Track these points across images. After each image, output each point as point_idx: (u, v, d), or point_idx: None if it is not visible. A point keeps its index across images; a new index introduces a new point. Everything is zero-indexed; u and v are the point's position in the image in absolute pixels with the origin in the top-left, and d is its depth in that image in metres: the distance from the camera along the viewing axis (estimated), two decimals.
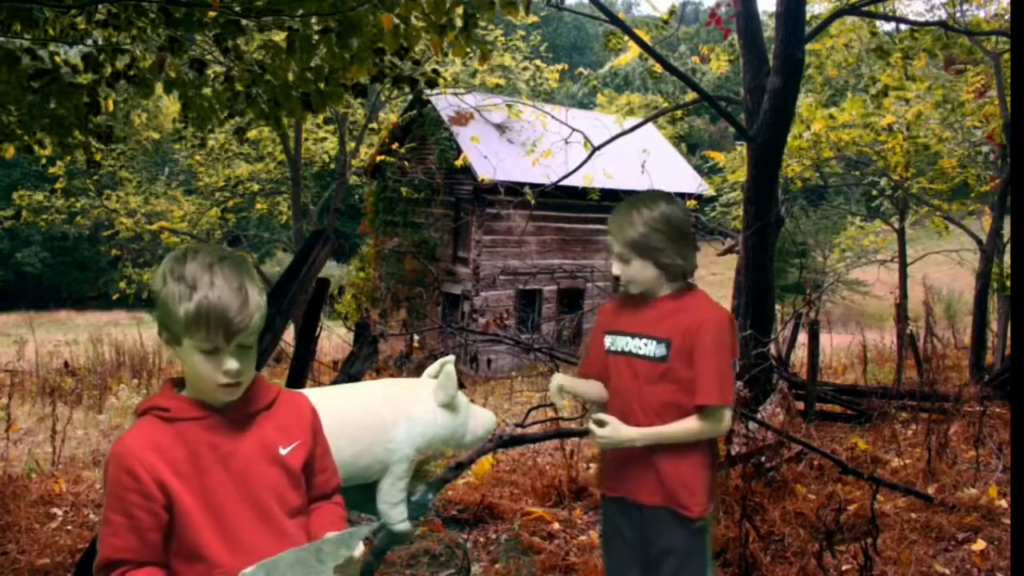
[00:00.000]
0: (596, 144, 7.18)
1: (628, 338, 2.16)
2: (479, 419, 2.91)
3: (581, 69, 16.02)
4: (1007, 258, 8.67)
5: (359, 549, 1.39)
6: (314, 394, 2.97)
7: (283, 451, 1.44)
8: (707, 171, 18.40)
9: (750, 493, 3.64)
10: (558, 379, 2.30)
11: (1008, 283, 8.16)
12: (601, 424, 2.06)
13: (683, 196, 14.52)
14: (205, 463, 1.35)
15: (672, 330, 2.09)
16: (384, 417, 2.69)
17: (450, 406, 2.78)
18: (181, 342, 1.34)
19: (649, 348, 2.11)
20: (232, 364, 1.34)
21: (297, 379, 3.56)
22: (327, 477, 1.56)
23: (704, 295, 2.18)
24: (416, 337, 12.72)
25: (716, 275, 29.95)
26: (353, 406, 2.74)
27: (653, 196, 2.16)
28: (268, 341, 3.09)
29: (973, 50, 8.69)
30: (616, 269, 2.16)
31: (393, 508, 2.73)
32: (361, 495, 2.76)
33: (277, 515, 1.42)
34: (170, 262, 1.35)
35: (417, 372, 2.97)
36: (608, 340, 2.23)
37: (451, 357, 2.80)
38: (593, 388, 2.32)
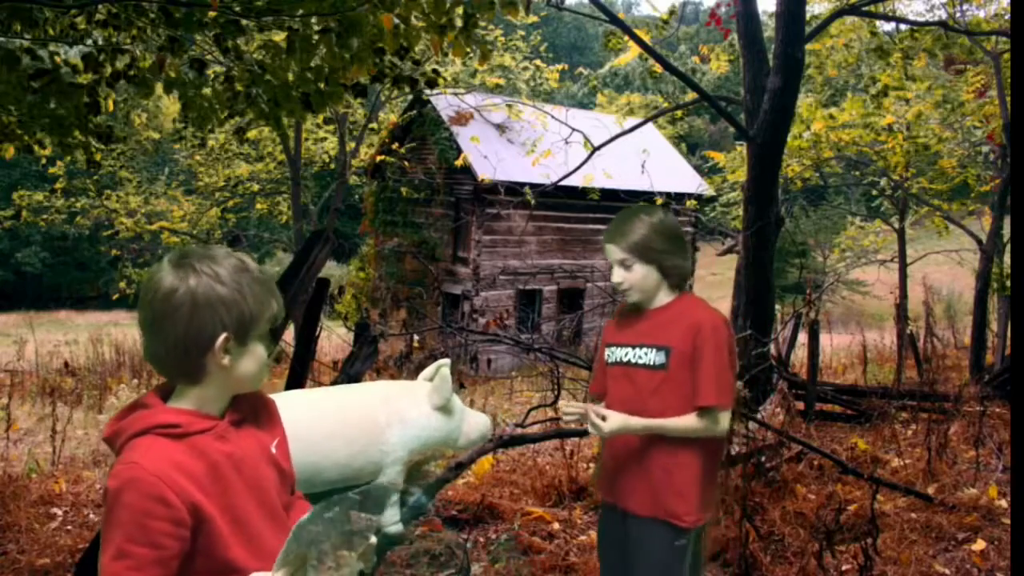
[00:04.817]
0: (596, 144, 7.18)
1: (628, 349, 2.17)
2: (473, 423, 2.91)
3: (581, 69, 15.99)
4: (1007, 258, 8.67)
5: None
6: (312, 395, 2.97)
7: (273, 449, 1.43)
8: (707, 171, 18.39)
9: (750, 493, 3.64)
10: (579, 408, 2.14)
11: (1008, 283, 8.16)
12: (603, 418, 2.04)
13: (683, 196, 14.53)
14: (224, 474, 1.30)
15: (670, 337, 2.10)
16: (379, 419, 2.70)
17: (445, 409, 2.78)
18: (248, 340, 1.33)
19: (648, 357, 2.12)
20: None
21: (297, 379, 3.56)
22: (291, 468, 1.53)
23: (696, 298, 2.21)
24: (416, 337, 12.71)
25: (716, 275, 29.94)
26: (350, 408, 2.75)
27: (649, 205, 2.24)
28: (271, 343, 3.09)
29: (973, 50, 8.69)
30: (617, 276, 2.15)
31: (387, 511, 2.73)
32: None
33: (282, 514, 1.41)
34: (231, 267, 1.31)
35: (417, 372, 2.97)
36: (607, 352, 2.24)
37: (446, 360, 2.80)
38: None
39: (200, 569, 1.27)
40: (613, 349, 2.22)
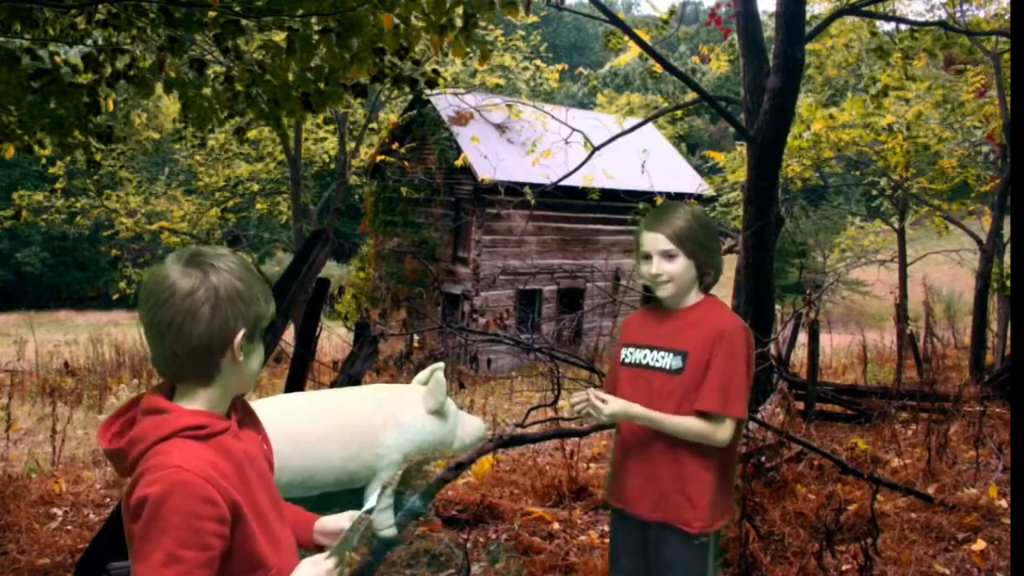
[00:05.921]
0: (596, 144, 7.18)
1: (646, 351, 2.12)
2: (468, 426, 2.92)
3: (581, 69, 16.00)
4: (1007, 258, 8.67)
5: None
6: (306, 399, 2.98)
7: (264, 445, 1.46)
8: (707, 171, 18.39)
9: (750, 493, 3.64)
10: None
11: (1008, 283, 8.16)
12: (604, 402, 2.01)
13: (683, 196, 14.53)
14: (246, 472, 1.32)
15: (690, 342, 2.05)
16: (374, 423, 2.70)
17: (439, 413, 2.78)
18: (255, 338, 1.35)
19: (666, 360, 2.07)
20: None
21: (297, 380, 3.56)
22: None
23: (720, 303, 2.15)
24: (416, 337, 12.72)
25: None
26: (345, 411, 2.75)
27: (683, 203, 2.18)
28: (268, 341, 3.09)
29: (973, 50, 8.69)
30: (656, 267, 2.06)
31: (380, 513, 2.74)
32: (348, 500, 2.76)
33: (283, 506, 1.45)
34: (240, 265, 1.32)
35: (417, 372, 2.98)
36: (624, 352, 2.18)
37: (441, 364, 2.80)
38: None
39: (235, 568, 1.28)
40: (631, 350, 2.16)
